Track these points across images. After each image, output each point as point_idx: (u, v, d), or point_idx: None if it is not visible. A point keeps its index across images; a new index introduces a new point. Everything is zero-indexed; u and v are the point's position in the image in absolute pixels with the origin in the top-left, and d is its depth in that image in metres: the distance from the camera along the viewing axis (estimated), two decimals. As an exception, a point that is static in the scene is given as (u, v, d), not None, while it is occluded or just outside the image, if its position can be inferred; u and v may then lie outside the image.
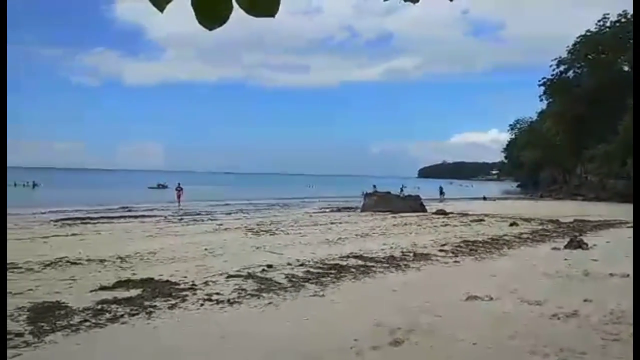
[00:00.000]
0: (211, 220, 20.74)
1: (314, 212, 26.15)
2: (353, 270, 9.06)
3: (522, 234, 15.36)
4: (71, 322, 5.71)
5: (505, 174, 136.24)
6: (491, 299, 7.02)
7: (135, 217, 22.22)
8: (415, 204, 26.36)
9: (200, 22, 1.49)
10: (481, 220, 20.44)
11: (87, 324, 5.70)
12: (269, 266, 9.24)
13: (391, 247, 11.98)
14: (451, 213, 24.57)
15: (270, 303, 6.80)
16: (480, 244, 12.82)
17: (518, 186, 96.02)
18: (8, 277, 8.05)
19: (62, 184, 60.72)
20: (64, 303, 6.47)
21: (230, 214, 24.58)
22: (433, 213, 24.55)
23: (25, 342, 5.08)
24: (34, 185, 56.15)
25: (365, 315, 6.18)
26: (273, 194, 46.25)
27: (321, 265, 9.43)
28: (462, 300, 7.01)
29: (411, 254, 10.93)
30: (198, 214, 23.71)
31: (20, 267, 8.94)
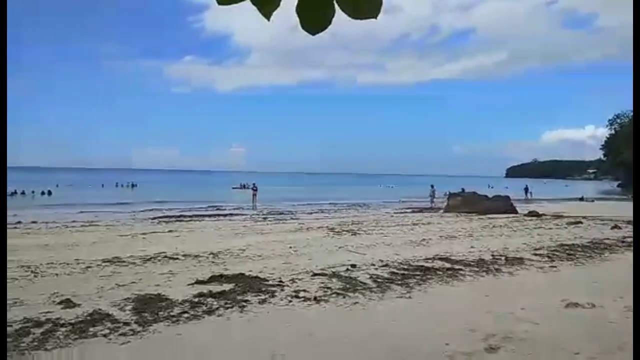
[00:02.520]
0: (293, 219, 21.22)
1: (395, 213, 25.80)
2: (440, 272, 8.80)
3: (625, 237, 14.02)
4: (172, 314, 6.10)
5: (603, 172, 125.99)
6: (593, 306, 6.49)
7: (224, 215, 23.35)
8: (504, 205, 25.05)
9: (303, 28, 1.52)
10: (578, 222, 18.96)
11: (186, 315, 6.05)
12: (353, 266, 9.26)
13: (480, 250, 11.48)
14: (544, 215, 23.06)
15: (356, 303, 6.79)
16: (579, 248, 11.90)
17: (618, 186, 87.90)
18: (114, 271, 8.84)
19: (157, 184, 65.35)
20: (164, 295, 6.93)
21: (311, 213, 25.00)
22: (524, 215, 23.18)
23: (132, 331, 5.50)
24: (133, 185, 61.00)
25: (456, 319, 5.97)
26: (352, 194, 46.37)
27: (406, 267, 9.27)
28: (561, 307, 6.55)
29: (503, 258, 10.40)
30: (281, 214, 24.38)
31: (124, 262, 9.71)
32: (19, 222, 18.46)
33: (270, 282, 7.81)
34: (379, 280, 8.12)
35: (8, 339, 5.05)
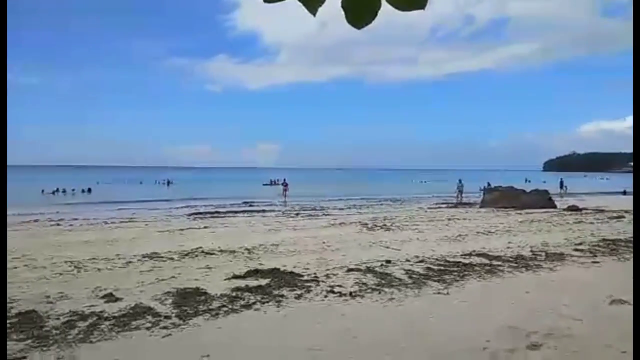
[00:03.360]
0: (326, 215, 21.23)
1: (429, 208, 25.45)
2: (477, 268, 8.64)
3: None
4: (210, 307, 6.21)
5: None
6: (642, 304, 6.22)
7: (257, 211, 23.57)
8: (542, 200, 24.33)
9: (349, 22, 1.51)
10: (621, 217, 18.25)
11: (225, 309, 6.15)
12: (388, 261, 9.19)
13: (519, 246, 11.21)
14: (585, 209, 22.31)
15: (392, 298, 6.74)
16: (622, 243, 11.46)
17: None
18: (154, 266, 9.05)
19: (191, 182, 66.62)
20: (202, 289, 7.06)
21: (343, 209, 24.94)
22: (564, 209, 22.49)
23: (173, 324, 5.62)
24: (168, 183, 62.35)
25: (495, 316, 5.84)
26: (385, 189, 46.02)
27: (442, 263, 9.14)
28: (606, 304, 6.32)
29: (543, 254, 10.11)
30: (313, 210, 24.43)
31: (163, 257, 9.94)
32: (61, 220, 19.15)
33: (305, 278, 7.85)
34: (414, 276, 8.03)
35: (56, 332, 5.26)
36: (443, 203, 29.55)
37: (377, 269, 8.57)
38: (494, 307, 6.32)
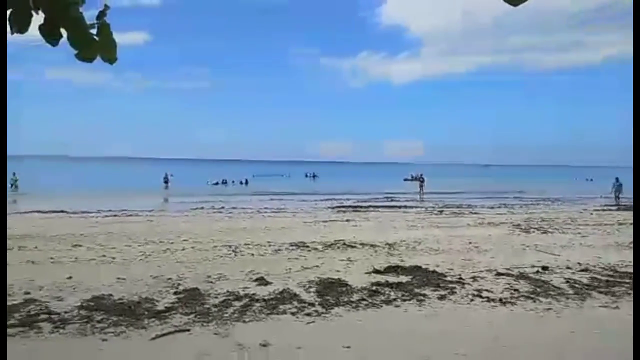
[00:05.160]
0: (473, 213, 20.11)
1: (596, 210, 22.50)
2: (659, 283, 7.33)
3: None
4: (351, 299, 6.28)
5: None
6: None
7: (399, 206, 23.38)
8: None
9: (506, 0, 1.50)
10: None
11: (365, 302, 6.17)
12: (544, 267, 8.33)
13: None
14: None
15: (549, 309, 6.07)
16: None
17: None
18: (300, 254, 9.50)
19: (334, 175, 69.00)
20: (344, 281, 7.19)
21: (492, 208, 23.36)
22: None
23: (316, 311, 5.81)
24: (314, 176, 65.62)
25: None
26: (540, 187, 42.03)
27: (611, 273, 7.98)
28: None
29: None
30: (458, 207, 23.34)
31: (308, 247, 10.40)
32: (222, 208, 21.32)
33: (449, 278, 7.49)
34: (576, 285, 7.14)
35: (214, 310, 5.80)
36: (613, 205, 25.91)
37: (531, 275, 7.81)
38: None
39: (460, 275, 7.73)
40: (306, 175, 66.84)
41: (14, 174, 32.12)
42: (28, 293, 6.34)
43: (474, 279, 7.51)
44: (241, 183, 47.65)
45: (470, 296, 6.55)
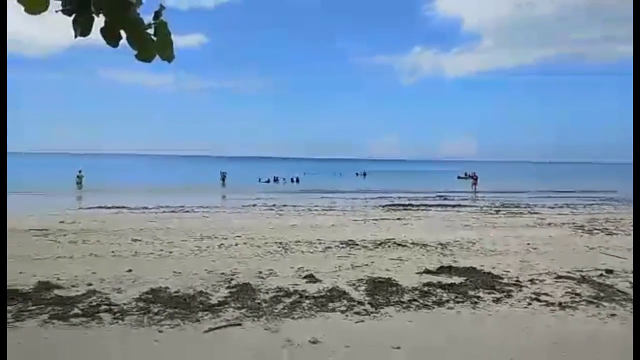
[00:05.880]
0: (531, 213, 19.27)
1: (667, 211, 20.92)
2: None
3: None
4: (401, 300, 6.16)
5: None
6: None
7: (452, 205, 22.78)
8: None
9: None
10: None
11: (416, 303, 6.02)
12: (609, 271, 7.84)
13: None
14: None
15: (613, 315, 5.70)
16: None
17: None
18: (349, 252, 9.45)
19: (385, 173, 68.33)
20: (394, 280, 7.06)
21: (553, 207, 22.29)
22: None
23: (365, 310, 5.74)
24: (364, 174, 65.28)
25: None
26: (605, 185, 39.64)
27: (687, 279, 7.37)
28: None
29: None
30: (516, 206, 22.42)
31: (357, 245, 10.33)
32: (274, 205, 21.63)
33: (506, 281, 7.19)
34: (646, 291, 6.65)
35: (265, 305, 5.87)
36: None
37: (595, 278, 7.38)
38: None
39: (517, 277, 7.40)
40: (357, 174, 66.60)
41: (79, 171, 33.54)
42: (90, 285, 6.68)
43: (532, 281, 7.17)
44: (292, 181, 48.18)
45: (527, 300, 6.25)
